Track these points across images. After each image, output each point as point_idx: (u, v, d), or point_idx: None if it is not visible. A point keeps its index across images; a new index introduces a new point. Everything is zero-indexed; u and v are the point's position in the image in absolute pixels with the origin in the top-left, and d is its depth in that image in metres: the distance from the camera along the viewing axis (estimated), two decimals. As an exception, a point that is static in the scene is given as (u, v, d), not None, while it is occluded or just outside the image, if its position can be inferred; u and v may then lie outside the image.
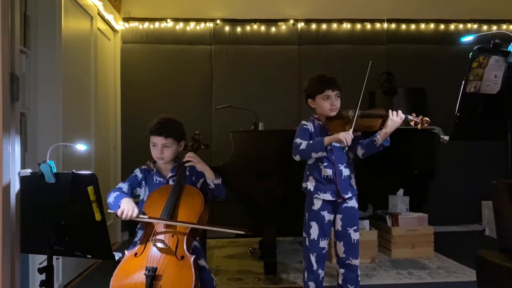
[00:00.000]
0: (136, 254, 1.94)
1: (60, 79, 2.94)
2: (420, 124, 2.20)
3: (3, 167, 1.68)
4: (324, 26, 4.92)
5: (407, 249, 3.72)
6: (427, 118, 2.21)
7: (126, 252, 1.97)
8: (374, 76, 4.46)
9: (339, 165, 2.37)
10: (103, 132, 4.18)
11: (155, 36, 4.80)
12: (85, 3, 3.57)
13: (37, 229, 1.79)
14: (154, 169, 2.31)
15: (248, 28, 4.86)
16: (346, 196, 2.37)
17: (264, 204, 3.23)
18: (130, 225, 4.28)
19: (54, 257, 1.83)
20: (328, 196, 2.37)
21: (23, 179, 1.80)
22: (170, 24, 4.80)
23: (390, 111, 2.24)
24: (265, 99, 4.68)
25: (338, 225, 2.41)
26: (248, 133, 3.49)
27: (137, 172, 2.33)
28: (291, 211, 3.23)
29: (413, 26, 4.99)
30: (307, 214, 2.44)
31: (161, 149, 2.22)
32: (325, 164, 2.36)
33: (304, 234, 2.45)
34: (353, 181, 2.43)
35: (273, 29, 4.89)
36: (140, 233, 2.19)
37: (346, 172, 2.38)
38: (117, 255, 2.01)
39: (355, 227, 2.41)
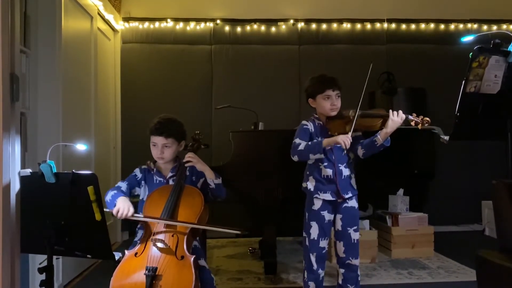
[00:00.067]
0: (136, 254, 1.94)
1: (60, 79, 2.94)
2: (420, 124, 2.20)
3: (3, 167, 1.68)
4: (324, 26, 4.92)
5: (407, 249, 3.72)
6: (427, 118, 2.20)
7: (126, 252, 1.97)
8: (374, 76, 4.44)
9: (339, 165, 2.37)
10: (103, 132, 4.17)
11: (155, 36, 4.80)
12: (85, 3, 3.57)
13: (37, 229, 1.79)
14: (154, 169, 2.31)
15: (248, 28, 4.86)
16: (346, 196, 2.37)
17: (264, 204, 3.23)
18: (130, 225, 4.28)
19: (54, 257, 1.83)
20: (328, 196, 2.37)
21: (23, 179, 1.80)
22: (170, 24, 4.80)
23: (390, 111, 2.24)
24: (265, 99, 4.68)
25: (338, 225, 2.41)
26: (248, 133, 3.49)
27: (137, 171, 2.33)
28: (291, 211, 3.24)
29: (413, 26, 4.99)
30: (307, 214, 2.44)
31: (161, 149, 2.23)
32: (325, 164, 2.36)
33: (304, 234, 2.45)
34: (353, 181, 2.43)
35: (273, 29, 4.88)
36: (140, 233, 2.19)
37: (346, 172, 2.38)
38: (117, 255, 2.00)
39: (355, 227, 2.41)
